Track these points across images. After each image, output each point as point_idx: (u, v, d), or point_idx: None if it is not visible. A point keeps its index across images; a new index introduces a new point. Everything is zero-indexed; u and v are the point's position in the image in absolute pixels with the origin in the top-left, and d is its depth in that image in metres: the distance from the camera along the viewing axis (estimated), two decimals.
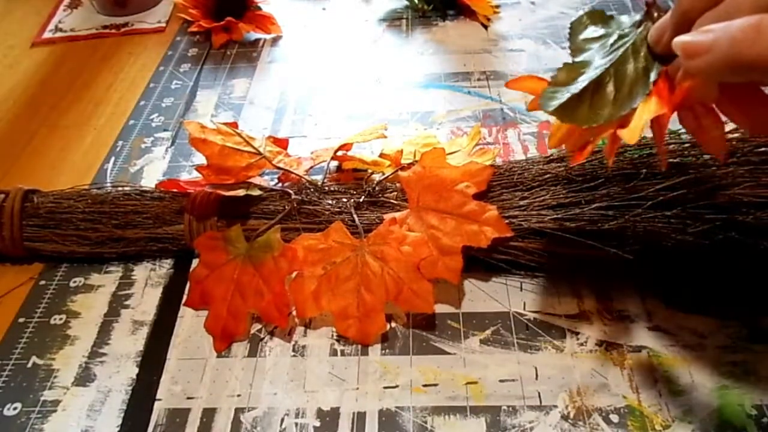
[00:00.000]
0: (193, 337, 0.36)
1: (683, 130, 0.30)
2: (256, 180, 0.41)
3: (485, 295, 0.37)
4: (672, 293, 0.36)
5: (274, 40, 0.63)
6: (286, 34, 0.64)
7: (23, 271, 0.41)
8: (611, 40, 0.28)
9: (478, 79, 0.54)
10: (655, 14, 0.27)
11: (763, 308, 0.34)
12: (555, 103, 0.27)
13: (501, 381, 0.33)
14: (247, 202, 0.39)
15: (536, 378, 0.33)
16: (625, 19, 0.29)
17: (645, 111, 0.26)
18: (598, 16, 0.30)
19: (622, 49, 0.27)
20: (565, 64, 0.29)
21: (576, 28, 0.30)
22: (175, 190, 0.41)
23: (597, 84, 0.27)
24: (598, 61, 0.28)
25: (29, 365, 0.36)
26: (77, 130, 0.54)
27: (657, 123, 0.26)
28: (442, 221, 0.36)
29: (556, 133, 0.30)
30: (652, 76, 0.26)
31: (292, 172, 0.41)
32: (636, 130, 0.25)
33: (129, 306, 0.38)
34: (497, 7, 0.64)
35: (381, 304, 0.35)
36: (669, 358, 0.33)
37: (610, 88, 0.27)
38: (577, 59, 0.29)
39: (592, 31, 0.30)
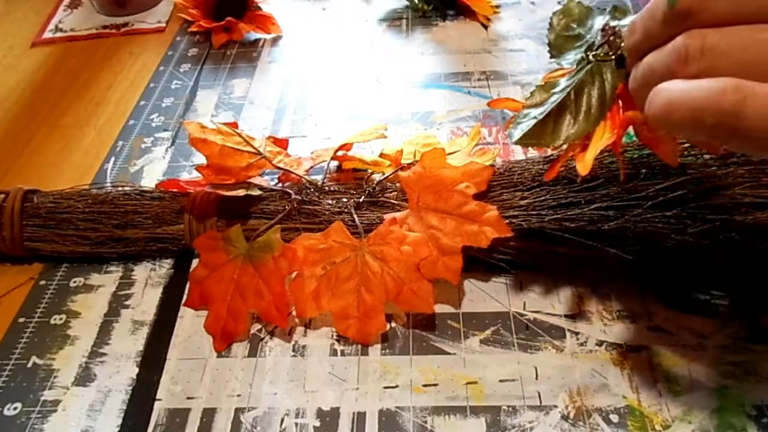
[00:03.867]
0: (193, 337, 0.36)
1: None
2: (256, 180, 0.41)
3: (485, 295, 0.37)
4: (672, 293, 0.36)
5: (274, 40, 0.63)
6: (286, 34, 0.64)
7: (23, 271, 0.41)
8: (580, 53, 0.30)
9: (478, 79, 0.54)
10: (611, 38, 0.28)
11: (763, 308, 0.34)
12: (518, 133, 0.29)
13: (501, 381, 0.33)
14: (247, 202, 0.39)
15: (536, 378, 0.33)
16: (599, 20, 0.31)
17: (597, 139, 0.28)
18: (575, 11, 0.32)
19: (582, 72, 0.29)
20: (538, 87, 0.31)
21: (554, 26, 0.32)
22: (175, 190, 0.41)
23: (559, 109, 0.29)
24: (563, 82, 0.30)
25: (29, 365, 0.36)
26: (77, 130, 0.54)
27: (611, 146, 0.28)
28: (442, 221, 0.36)
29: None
30: (608, 101, 0.28)
31: (292, 172, 0.41)
32: (588, 162, 0.28)
33: (129, 306, 0.38)
34: (497, 7, 0.64)
35: (381, 304, 0.35)
36: (669, 358, 0.33)
37: (571, 111, 0.29)
38: (549, 78, 0.31)
39: (569, 29, 0.32)
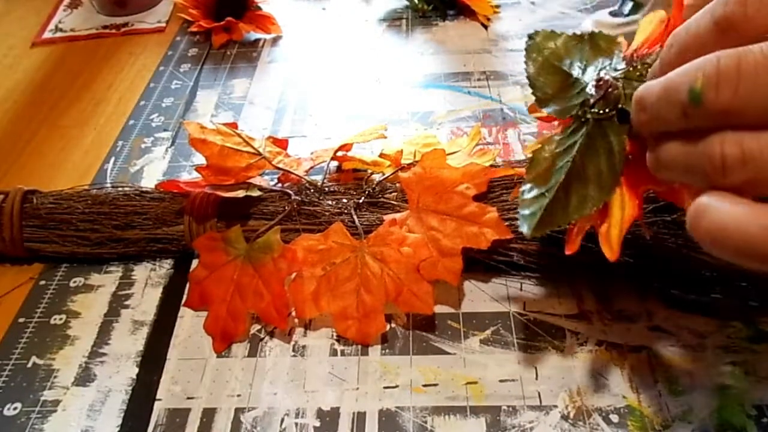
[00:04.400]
0: (193, 337, 0.36)
1: None
2: (256, 180, 0.41)
3: (485, 296, 0.37)
4: (672, 293, 0.36)
5: (274, 40, 0.63)
6: (286, 34, 0.64)
7: (23, 271, 0.41)
8: (572, 102, 0.27)
9: (478, 79, 0.54)
10: (608, 91, 0.26)
11: (763, 308, 0.34)
12: (531, 225, 0.26)
13: (501, 381, 0.33)
14: (247, 203, 0.39)
15: (536, 378, 0.33)
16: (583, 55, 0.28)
17: (617, 212, 0.25)
18: (548, 44, 0.29)
19: (580, 134, 0.26)
20: (534, 154, 0.28)
21: (529, 65, 0.29)
22: (174, 190, 0.41)
23: (566, 180, 0.26)
24: (558, 143, 0.27)
25: (29, 365, 0.36)
26: (77, 130, 0.54)
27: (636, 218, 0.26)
28: (442, 223, 0.36)
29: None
30: (619, 164, 0.25)
31: (292, 173, 0.41)
32: (615, 245, 0.25)
33: (129, 306, 0.39)
34: (497, 7, 0.64)
35: (381, 305, 0.35)
36: (669, 358, 0.33)
37: (580, 181, 0.26)
38: (533, 110, 0.28)
39: (549, 67, 0.29)
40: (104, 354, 0.36)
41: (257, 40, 0.63)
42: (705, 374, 0.32)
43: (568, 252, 0.28)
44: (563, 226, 0.26)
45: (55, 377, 0.35)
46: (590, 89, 0.26)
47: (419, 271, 0.35)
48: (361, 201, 0.39)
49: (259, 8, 0.64)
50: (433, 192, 0.37)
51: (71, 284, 0.40)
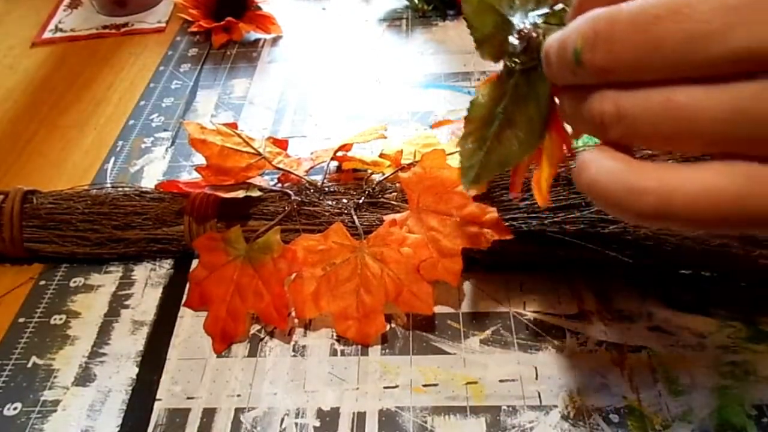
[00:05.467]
0: (193, 337, 0.36)
1: None
2: (256, 180, 0.41)
3: (485, 296, 0.37)
4: (672, 293, 0.36)
5: (274, 40, 0.63)
6: (286, 34, 0.64)
7: (23, 271, 0.41)
8: (505, 43, 0.27)
9: (478, 79, 0.54)
10: (530, 40, 0.25)
11: (763, 308, 0.34)
12: (469, 178, 0.27)
13: (501, 381, 0.33)
14: (247, 204, 0.39)
15: (536, 378, 0.33)
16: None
17: (547, 156, 0.25)
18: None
19: (510, 84, 0.26)
20: (471, 103, 0.28)
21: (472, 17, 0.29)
22: (174, 191, 0.41)
23: (499, 136, 0.26)
24: (495, 90, 0.27)
25: (29, 365, 0.36)
26: (77, 130, 0.54)
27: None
28: (442, 223, 0.36)
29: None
30: (544, 109, 0.25)
31: (292, 173, 0.41)
32: (544, 192, 0.26)
33: (129, 306, 0.39)
34: None
35: (380, 305, 0.35)
36: (669, 358, 0.33)
37: (513, 129, 0.26)
38: (479, 94, 0.28)
39: (487, 10, 0.28)
40: (104, 354, 0.36)
41: (257, 40, 0.63)
42: (705, 374, 0.32)
43: (512, 196, 0.29)
44: (501, 172, 0.27)
45: (55, 377, 0.35)
46: (513, 39, 0.26)
47: (419, 272, 0.35)
48: (361, 201, 0.39)
49: (259, 8, 0.64)
50: (433, 192, 0.37)
51: (71, 284, 0.40)
